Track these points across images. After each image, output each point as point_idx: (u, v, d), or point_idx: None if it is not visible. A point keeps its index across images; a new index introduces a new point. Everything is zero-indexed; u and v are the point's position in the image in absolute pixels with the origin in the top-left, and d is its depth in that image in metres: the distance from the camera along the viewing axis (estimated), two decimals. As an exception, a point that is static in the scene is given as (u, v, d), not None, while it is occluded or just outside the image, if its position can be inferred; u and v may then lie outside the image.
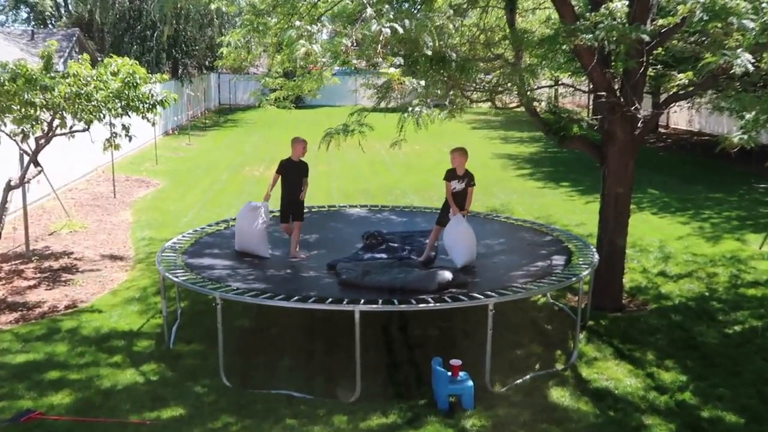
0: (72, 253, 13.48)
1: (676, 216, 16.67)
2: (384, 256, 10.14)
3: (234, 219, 12.37)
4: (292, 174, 10.41)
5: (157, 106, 11.97)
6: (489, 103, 10.82)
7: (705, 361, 8.95)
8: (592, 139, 10.88)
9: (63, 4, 47.89)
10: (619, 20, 8.26)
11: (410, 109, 8.20)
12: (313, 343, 9.36)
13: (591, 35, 8.23)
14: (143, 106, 11.80)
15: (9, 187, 11.88)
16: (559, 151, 26.86)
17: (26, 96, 10.78)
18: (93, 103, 11.37)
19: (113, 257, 13.24)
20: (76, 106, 11.28)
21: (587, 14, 8.99)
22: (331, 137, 9.01)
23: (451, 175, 9.86)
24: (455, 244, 9.61)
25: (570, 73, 20.11)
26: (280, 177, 10.39)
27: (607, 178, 10.46)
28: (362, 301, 8.00)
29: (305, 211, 10.94)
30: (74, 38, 29.80)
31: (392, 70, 7.27)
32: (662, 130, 33.40)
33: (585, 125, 10.19)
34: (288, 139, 10.84)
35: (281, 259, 10.23)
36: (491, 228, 12.05)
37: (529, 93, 9.93)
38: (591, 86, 10.31)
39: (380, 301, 8.11)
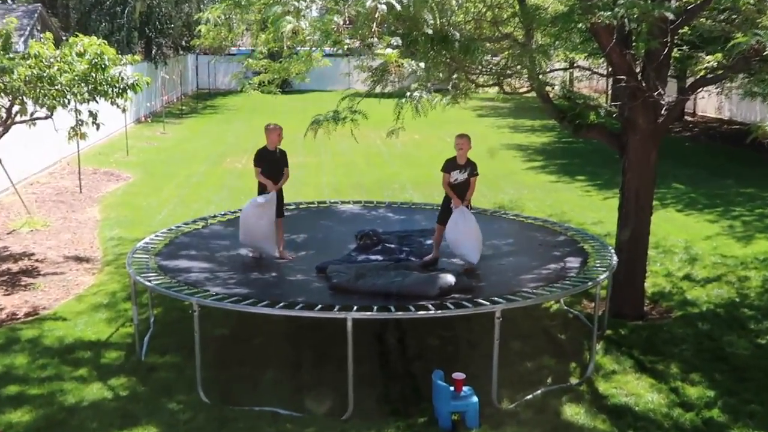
0: (33, 254, 13.46)
1: (704, 213, 16.68)
2: (379, 257, 10.15)
3: (213, 216, 12.39)
4: (271, 165, 10.41)
5: (128, 91, 11.94)
6: (496, 88, 10.82)
7: (735, 375, 8.95)
8: (610, 128, 10.87)
9: (23, -24, 47.82)
10: (640, -5, 8.26)
11: (409, 94, 8.19)
12: (300, 354, 9.35)
13: (610, 12, 8.22)
14: (112, 91, 11.77)
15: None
16: (575, 142, 26.85)
17: (-19, 79, 10.76)
18: (56, 87, 11.33)
19: (79, 259, 13.22)
20: (38, 90, 11.24)
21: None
22: (319, 125, 8.99)
23: (450, 165, 9.85)
24: (461, 239, 9.61)
25: (586, 55, 20.14)
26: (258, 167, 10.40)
27: (627, 171, 10.46)
28: (355, 307, 7.99)
29: (292, 207, 10.92)
30: (36, 15, 29.73)
31: (389, 50, 7.26)
32: (688, 118, 33.43)
33: (603, 112, 10.19)
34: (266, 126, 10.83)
35: (265, 261, 10.22)
36: (499, 227, 12.04)
37: (540, 76, 9.92)
38: (609, 69, 10.31)
39: (375, 307, 8.10)
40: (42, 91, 11.26)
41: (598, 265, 9.73)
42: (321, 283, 9.28)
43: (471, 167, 9.89)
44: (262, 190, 10.46)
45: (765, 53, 7.47)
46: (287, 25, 6.86)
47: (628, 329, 10.21)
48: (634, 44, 9.96)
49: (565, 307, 10.97)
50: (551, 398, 8.35)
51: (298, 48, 10.23)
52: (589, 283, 9.05)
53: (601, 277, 9.20)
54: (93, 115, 12.08)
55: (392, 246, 10.63)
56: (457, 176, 9.85)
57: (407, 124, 8.98)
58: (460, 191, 9.83)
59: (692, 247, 13.92)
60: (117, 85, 11.78)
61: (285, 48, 10.27)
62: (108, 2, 34.70)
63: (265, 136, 10.47)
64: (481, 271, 9.75)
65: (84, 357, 9.34)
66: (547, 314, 10.86)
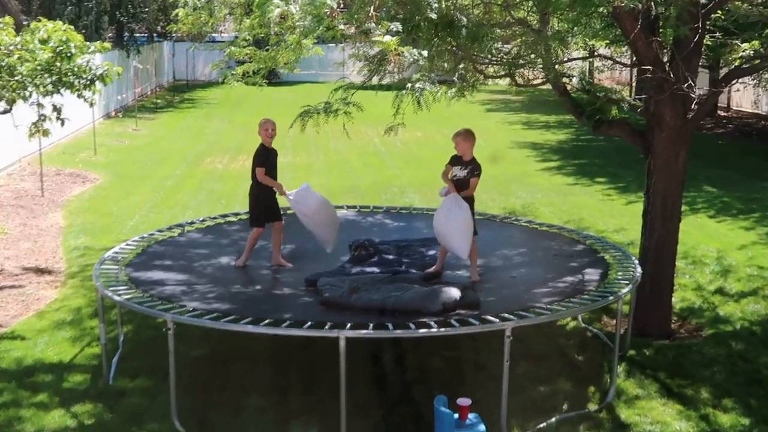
0: (-11, 264, 13.45)
1: (738, 220, 16.69)
2: (376, 270, 10.12)
3: (191, 223, 12.38)
4: (272, 166, 10.49)
5: (97, 82, 11.94)
6: (508, 80, 10.80)
7: (773, 400, 8.95)
8: (634, 125, 10.86)
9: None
10: (668, -23, 8.27)
11: (409, 85, 8.17)
12: (287, 378, 9.33)
13: (634, -5, 8.21)
14: (79, 82, 11.78)
15: None
16: (595, 139, 26.88)
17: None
18: (16, 78, 11.33)
19: (40, 271, 13.19)
20: (-5, 81, 11.25)
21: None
22: (308, 117, 8.96)
23: (454, 159, 9.90)
24: (451, 230, 9.58)
25: (608, 43, 20.10)
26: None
27: (653, 172, 10.45)
28: (349, 325, 7.96)
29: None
30: (-6, -3, 29.73)
31: (387, 37, 7.24)
32: (721, 113, 33.49)
33: (626, 107, 10.19)
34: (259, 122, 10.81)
35: (249, 272, 10.20)
36: (509, 234, 12.03)
37: (557, 66, 9.91)
38: (634, 59, 10.29)
39: (371, 325, 8.08)
40: (0, 82, 11.25)
41: (620, 277, 9.71)
42: (311, 297, 9.26)
43: (473, 166, 9.88)
44: (260, 195, 10.43)
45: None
46: (275, 9, 6.85)
47: (654, 349, 10.19)
48: (661, 31, 9.95)
49: (583, 325, 10.96)
50: (567, 427, 8.34)
51: (287, 35, 10.21)
52: (610, 298, 9.02)
53: (624, 291, 9.18)
54: (57, 109, 12.07)
55: (390, 257, 10.61)
56: (457, 172, 9.87)
57: (408, 120, 8.96)
58: (457, 189, 9.82)
59: (725, 258, 13.91)
60: (84, 76, 11.79)
61: (272, 34, 10.27)
62: (75, -17, 34.70)
63: (259, 133, 10.47)
64: (489, 284, 9.73)
65: (45, 381, 9.30)
66: (562, 333, 10.84)
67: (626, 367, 9.68)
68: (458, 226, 9.59)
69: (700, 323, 11.10)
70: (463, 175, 9.87)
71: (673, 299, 10.90)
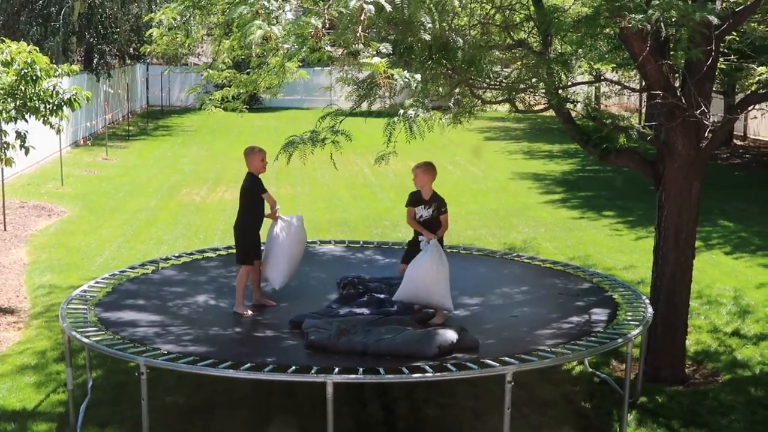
0: (-54, 304, 13.42)
1: (757, 256, 16.74)
2: (366, 311, 10.12)
3: (166, 259, 12.36)
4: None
5: (64, 108, 11.97)
6: (507, 105, 10.86)
7: (796, 451, 8.96)
8: (644, 154, 10.92)
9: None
10: (679, -4, 8.35)
11: (402, 112, 8.22)
12: (270, 426, 9.30)
13: (642, 15, 8.29)
14: (45, 107, 11.81)
15: None
16: (602, 170, 26.98)
17: None
18: (-23, 103, 11.36)
19: (1, 311, 13.16)
20: (-46, 106, 11.29)
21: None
22: (294, 147, 9.01)
23: (413, 199, 10.04)
24: (438, 281, 9.60)
25: (615, 66, 20.26)
26: (254, 200, 10.47)
27: (665, 205, 10.50)
28: (337, 369, 7.97)
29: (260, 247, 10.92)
30: (-46, 17, 29.83)
31: (377, 59, 7.30)
32: (737, 142, 33.67)
33: (635, 135, 10.24)
34: (240, 151, 10.85)
35: (228, 313, 10.20)
36: (510, 271, 12.04)
37: (560, 92, 9.98)
38: (643, 83, 10.38)
39: (361, 369, 8.07)
40: (-41, 107, 11.30)
41: (629, 318, 9.73)
42: (295, 340, 9.25)
43: (437, 203, 10.01)
44: (250, 229, 10.46)
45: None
46: (257, 30, 6.90)
47: (667, 396, 10.20)
48: (672, 53, 10.04)
49: (591, 370, 10.96)
50: (574, 480, 8.33)
51: (269, 57, 10.29)
52: (619, 341, 9.03)
53: (634, 332, 9.19)
54: (21, 136, 12.10)
55: (381, 296, 10.61)
56: (422, 212, 9.99)
57: (400, 149, 8.99)
58: (429, 229, 9.89)
59: (743, 297, 13.94)
60: (51, 101, 11.82)
61: (253, 56, 10.34)
62: (40, 2, 34.82)
63: (250, 162, 10.47)
64: (488, 325, 9.73)
65: (7, 430, 9.26)
66: (568, 378, 10.84)
67: (637, 415, 9.68)
68: (443, 276, 9.62)
69: (717, 368, 11.11)
70: (429, 214, 9.99)
71: (687, 342, 10.91)
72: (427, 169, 10.07)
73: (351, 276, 11.21)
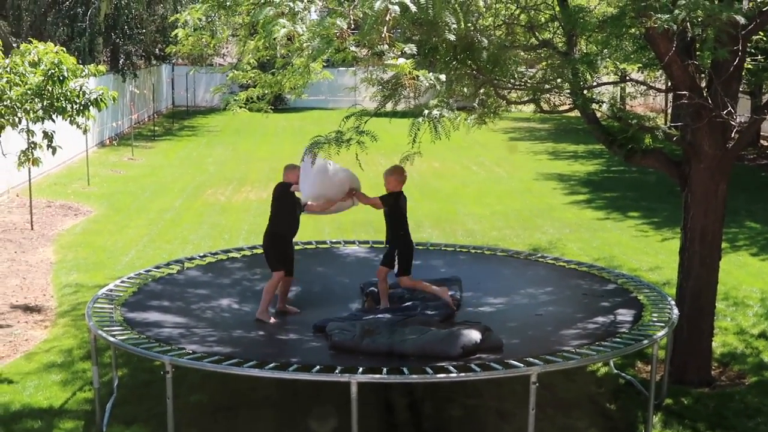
0: (-27, 303, 13.51)
1: (784, 258, 16.65)
2: (388, 314, 10.08)
3: (191, 259, 12.40)
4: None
5: (91, 108, 12.02)
6: (532, 106, 10.85)
7: (823, 454, 8.90)
8: (670, 155, 10.88)
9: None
10: (706, -4, 8.31)
11: (426, 112, 8.22)
12: (295, 426, 9.33)
13: (669, 15, 8.26)
14: (72, 108, 11.86)
15: None
16: (627, 170, 26.88)
17: None
18: (5, 104, 11.43)
19: (28, 309, 13.25)
20: (-18, 107, 11.37)
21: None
22: (319, 148, 9.03)
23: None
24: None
25: (641, 66, 20.18)
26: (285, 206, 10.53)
27: (691, 206, 10.46)
28: (361, 369, 7.98)
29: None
30: (-19, 18, 30.03)
31: (402, 60, 7.30)
32: (764, 143, 33.45)
33: (661, 135, 10.21)
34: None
35: (252, 315, 10.22)
36: (535, 273, 12.02)
37: (585, 92, 9.96)
38: (669, 84, 10.33)
39: (385, 369, 8.08)
40: (-13, 107, 11.37)
41: (655, 319, 9.70)
42: (320, 341, 9.27)
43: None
44: (277, 234, 10.51)
45: None
46: (280, 29, 6.92)
47: (692, 398, 10.16)
48: (698, 53, 10.00)
49: (616, 371, 10.93)
50: (599, 482, 8.30)
51: (294, 57, 10.30)
52: (645, 342, 9.01)
53: (660, 334, 9.17)
54: (48, 136, 12.15)
55: (406, 300, 10.62)
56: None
57: (424, 149, 8.99)
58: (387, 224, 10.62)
59: (770, 299, 13.89)
60: (77, 101, 11.87)
61: (278, 57, 10.36)
62: (67, 3, 35.00)
63: (286, 175, 10.51)
64: (513, 324, 9.72)
65: (34, 427, 9.32)
66: (593, 379, 10.82)
67: (662, 417, 9.64)
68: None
69: (743, 370, 11.06)
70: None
71: (713, 344, 10.86)
72: (391, 171, 10.42)
73: (374, 280, 11.08)
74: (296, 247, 11.26)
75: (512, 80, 10.13)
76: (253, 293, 10.79)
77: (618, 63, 11.34)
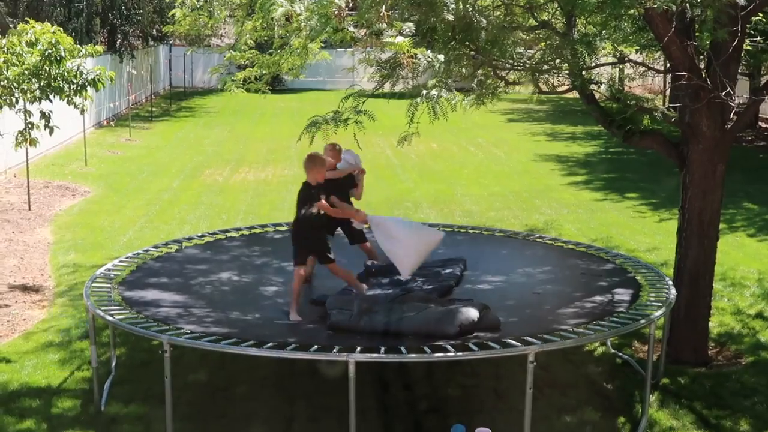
0: (-29, 283, 13.53)
1: (781, 239, 16.68)
2: (388, 291, 10.10)
3: (189, 239, 12.40)
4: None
5: (88, 88, 12.02)
6: (531, 87, 10.84)
7: (819, 434, 8.94)
8: (668, 136, 10.88)
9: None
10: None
11: (424, 92, 8.22)
12: (292, 405, 9.36)
13: (667, -5, 8.26)
14: (69, 88, 11.85)
15: None
16: (625, 151, 26.87)
17: None
18: (2, 83, 11.41)
19: (26, 289, 13.27)
20: (-21, 87, 11.36)
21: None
22: (317, 127, 9.03)
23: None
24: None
25: (639, 47, 20.15)
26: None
27: (689, 187, 10.46)
28: (359, 348, 8.00)
29: (284, 229, 10.92)
30: (-22, -3, 29.94)
31: (400, 39, 7.30)
32: (763, 125, 33.43)
33: (659, 116, 10.20)
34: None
35: (251, 294, 10.24)
36: (532, 253, 12.04)
37: (584, 73, 9.95)
38: (667, 65, 10.33)
39: (383, 348, 8.09)
40: (-16, 87, 11.37)
41: (652, 299, 9.71)
42: (318, 321, 9.24)
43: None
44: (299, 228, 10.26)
45: None
46: (278, 8, 6.92)
47: (689, 377, 10.19)
48: (697, 34, 9.99)
49: (613, 350, 10.96)
50: (595, 460, 8.34)
51: (292, 38, 10.30)
52: (642, 322, 9.02)
53: (657, 314, 9.18)
54: (45, 116, 12.16)
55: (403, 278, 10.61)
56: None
57: (422, 130, 9.00)
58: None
59: (767, 280, 13.89)
60: (75, 81, 11.86)
61: (276, 37, 10.35)
62: (64, -17, 34.87)
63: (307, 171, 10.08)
64: (511, 303, 9.74)
65: (32, 406, 9.35)
66: (590, 358, 10.85)
67: (659, 396, 9.68)
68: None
69: (740, 350, 11.09)
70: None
71: (710, 324, 10.88)
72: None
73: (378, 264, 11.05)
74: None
75: (511, 61, 10.12)
76: (252, 272, 10.79)
77: (617, 44, 11.33)
